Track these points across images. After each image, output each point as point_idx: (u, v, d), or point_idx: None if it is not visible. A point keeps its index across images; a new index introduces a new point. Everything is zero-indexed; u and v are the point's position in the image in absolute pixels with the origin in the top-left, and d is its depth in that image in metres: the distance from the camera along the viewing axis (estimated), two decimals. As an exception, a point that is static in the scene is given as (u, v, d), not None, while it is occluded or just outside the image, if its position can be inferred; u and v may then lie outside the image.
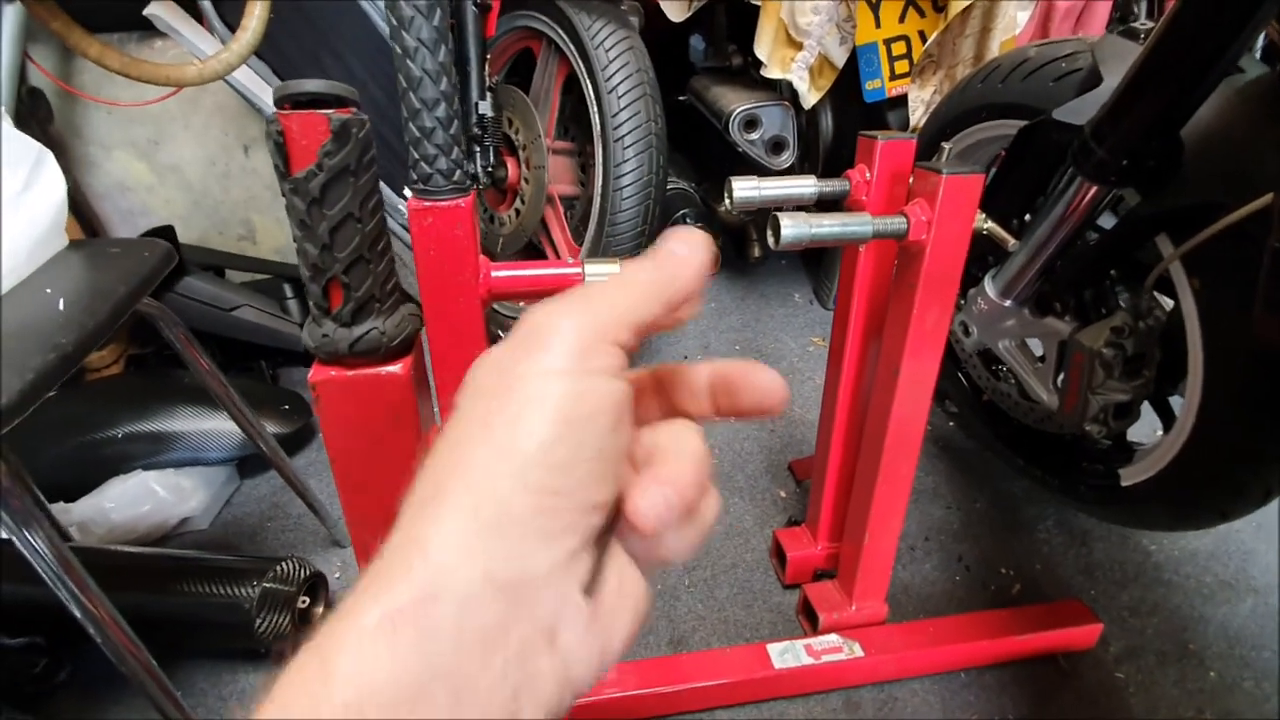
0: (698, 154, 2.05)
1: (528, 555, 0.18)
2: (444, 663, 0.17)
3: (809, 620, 0.95)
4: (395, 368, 0.33)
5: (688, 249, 0.23)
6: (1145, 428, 0.92)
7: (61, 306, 0.59)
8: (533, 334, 0.20)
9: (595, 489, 0.19)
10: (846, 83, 1.33)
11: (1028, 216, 0.89)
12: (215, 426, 1.14)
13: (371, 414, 0.34)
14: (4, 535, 0.98)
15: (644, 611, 0.22)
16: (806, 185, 0.76)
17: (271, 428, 1.19)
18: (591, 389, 0.20)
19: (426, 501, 0.19)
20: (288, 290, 1.52)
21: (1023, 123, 0.84)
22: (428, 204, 0.53)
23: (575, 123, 1.47)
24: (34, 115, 1.40)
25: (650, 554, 0.22)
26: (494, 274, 0.58)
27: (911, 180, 0.71)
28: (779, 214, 0.66)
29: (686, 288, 0.23)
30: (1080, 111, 0.74)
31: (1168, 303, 0.83)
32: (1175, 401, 0.85)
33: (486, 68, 1.28)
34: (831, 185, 0.76)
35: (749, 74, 1.58)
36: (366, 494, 0.36)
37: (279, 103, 0.29)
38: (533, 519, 0.18)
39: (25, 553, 0.56)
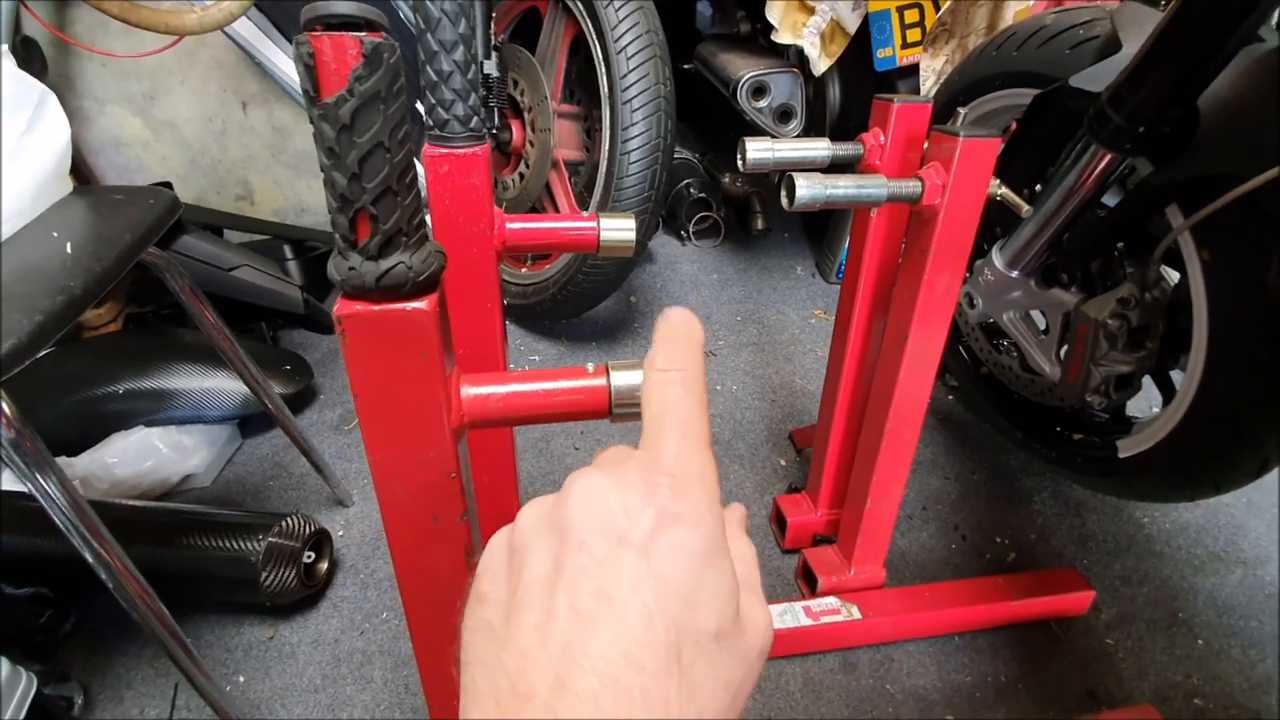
0: (702, 124, 2.03)
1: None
2: None
3: (808, 584, 0.97)
4: (421, 304, 0.32)
5: (685, 324, 0.27)
6: (1140, 402, 0.93)
7: (69, 250, 0.59)
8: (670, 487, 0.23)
9: None
10: (857, 51, 1.31)
11: (1038, 187, 0.89)
12: (216, 385, 1.13)
13: (397, 351, 0.34)
14: (6, 487, 0.98)
15: None
16: (820, 148, 0.75)
17: (275, 388, 1.18)
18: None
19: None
20: (288, 251, 1.50)
21: (1037, 91, 0.83)
22: (443, 151, 0.52)
23: (581, 85, 1.45)
24: (28, 66, 1.36)
25: None
26: (509, 226, 0.58)
27: (926, 145, 0.71)
28: (793, 174, 0.66)
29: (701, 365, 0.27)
30: (1097, 78, 0.73)
31: (1173, 276, 0.83)
32: (1175, 376, 0.86)
33: (492, 26, 1.26)
34: (845, 149, 0.76)
35: (757, 41, 1.55)
36: (389, 430, 0.36)
37: (308, 24, 0.28)
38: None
39: (39, 498, 0.56)
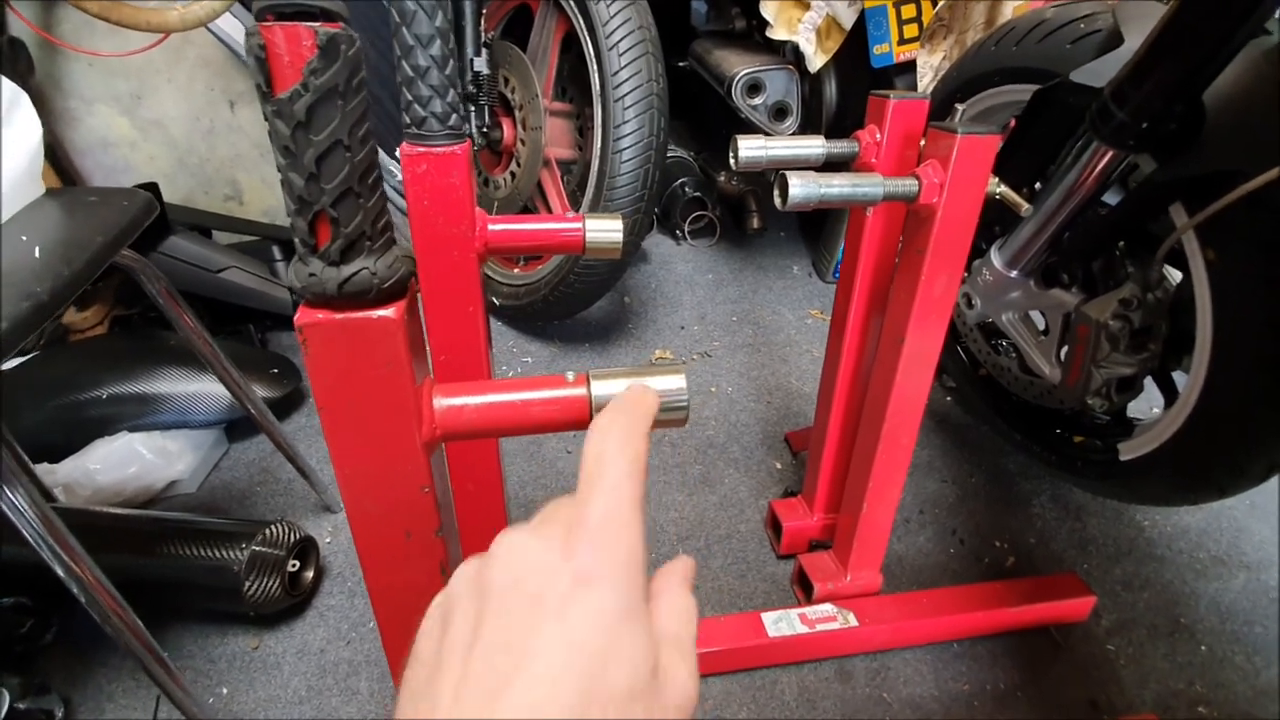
0: (697, 122, 2.01)
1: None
2: None
3: (803, 590, 0.95)
4: (388, 311, 0.31)
5: (644, 392, 0.31)
6: (1142, 404, 0.91)
7: (37, 254, 0.57)
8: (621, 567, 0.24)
9: None
10: (853, 48, 1.29)
11: (1038, 185, 0.87)
12: (202, 389, 1.11)
13: (362, 360, 0.32)
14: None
15: None
16: (814, 146, 0.74)
17: (261, 392, 1.17)
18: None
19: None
20: (276, 252, 1.48)
21: (1037, 87, 0.81)
22: (421, 150, 0.50)
23: (573, 83, 1.43)
24: (14, 66, 1.34)
25: None
26: (491, 227, 0.56)
27: (923, 142, 0.69)
28: (787, 173, 0.64)
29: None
30: (1099, 74, 0.71)
31: (1175, 276, 0.81)
32: (1177, 378, 0.84)
33: (482, 23, 1.24)
34: (840, 146, 0.74)
35: (752, 37, 1.54)
36: (356, 444, 0.34)
37: (260, 14, 0.26)
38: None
39: (7, 511, 0.55)
